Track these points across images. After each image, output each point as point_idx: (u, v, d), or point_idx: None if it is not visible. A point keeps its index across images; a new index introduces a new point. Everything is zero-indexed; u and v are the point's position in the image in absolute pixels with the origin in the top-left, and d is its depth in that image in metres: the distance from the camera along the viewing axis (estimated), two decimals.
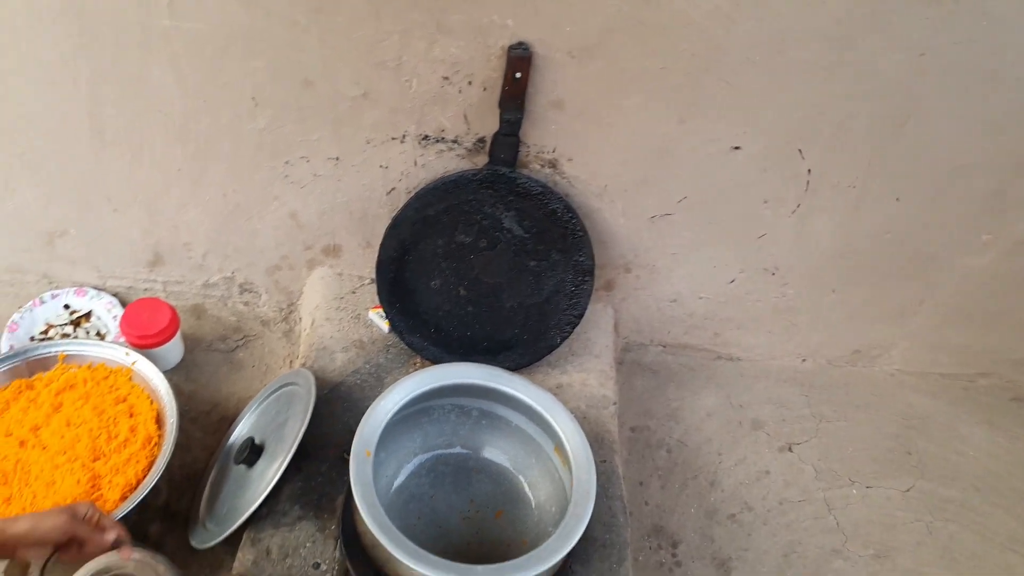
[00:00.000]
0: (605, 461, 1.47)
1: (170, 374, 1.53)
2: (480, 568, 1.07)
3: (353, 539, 1.22)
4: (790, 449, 1.76)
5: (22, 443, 1.41)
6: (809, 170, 1.48)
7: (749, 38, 1.28)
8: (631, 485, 1.64)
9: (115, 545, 1.11)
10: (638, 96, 1.37)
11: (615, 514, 1.40)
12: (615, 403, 1.58)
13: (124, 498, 1.35)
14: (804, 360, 1.90)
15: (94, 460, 1.40)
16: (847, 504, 1.68)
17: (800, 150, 1.45)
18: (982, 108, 1.37)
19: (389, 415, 1.22)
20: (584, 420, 1.53)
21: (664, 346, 1.87)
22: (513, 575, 1.08)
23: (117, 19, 1.28)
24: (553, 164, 1.47)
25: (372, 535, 1.11)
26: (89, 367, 1.52)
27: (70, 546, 1.08)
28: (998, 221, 1.57)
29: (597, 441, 1.51)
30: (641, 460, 1.69)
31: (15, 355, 1.50)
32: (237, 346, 1.70)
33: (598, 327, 1.71)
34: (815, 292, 1.73)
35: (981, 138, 1.42)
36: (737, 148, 1.44)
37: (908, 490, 1.71)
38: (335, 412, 1.45)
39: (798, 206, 1.54)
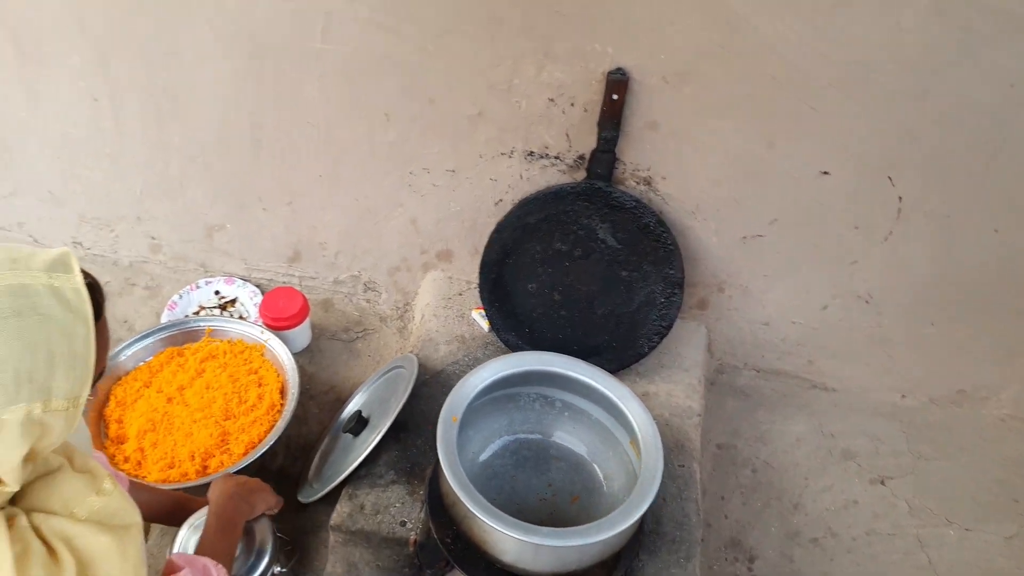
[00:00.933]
0: (683, 466, 1.53)
1: (297, 356, 1.74)
2: (544, 528, 1.17)
3: (437, 501, 1.35)
4: (883, 483, 1.73)
5: (169, 399, 1.65)
6: (900, 197, 1.51)
7: (833, 66, 1.35)
8: (713, 499, 1.68)
9: None
10: (728, 119, 1.47)
11: (688, 515, 1.45)
12: (699, 415, 1.64)
13: (246, 454, 1.55)
14: (904, 396, 1.87)
15: (225, 419, 1.61)
16: (942, 544, 1.63)
17: (890, 177, 1.49)
18: None
19: (476, 389, 1.35)
20: (666, 427, 1.59)
21: (758, 371, 1.90)
22: (573, 539, 1.17)
23: (280, 42, 1.53)
24: (648, 181, 1.58)
25: (452, 492, 1.23)
26: (229, 342, 1.76)
27: None
28: None
29: (678, 448, 1.57)
30: (725, 476, 1.72)
31: (171, 326, 1.76)
32: (357, 337, 1.90)
33: (690, 344, 1.78)
34: (912, 324, 1.72)
35: None
36: (826, 173, 1.50)
37: (1011, 537, 1.64)
38: (435, 395, 1.60)
39: (890, 233, 1.57)
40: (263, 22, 1.51)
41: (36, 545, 0.79)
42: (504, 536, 1.18)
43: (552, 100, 1.50)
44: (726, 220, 1.62)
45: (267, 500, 1.35)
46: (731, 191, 1.57)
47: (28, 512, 0.82)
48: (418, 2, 1.42)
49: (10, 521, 0.79)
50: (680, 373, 1.71)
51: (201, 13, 1.52)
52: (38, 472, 0.86)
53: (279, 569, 1.36)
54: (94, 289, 0.85)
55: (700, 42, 1.37)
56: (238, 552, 1.27)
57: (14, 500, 0.84)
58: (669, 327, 1.64)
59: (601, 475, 1.47)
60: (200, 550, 1.15)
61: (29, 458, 0.79)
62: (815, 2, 1.30)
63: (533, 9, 1.39)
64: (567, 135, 1.55)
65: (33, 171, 1.90)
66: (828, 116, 1.42)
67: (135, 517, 0.92)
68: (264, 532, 1.33)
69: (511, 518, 1.17)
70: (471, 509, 1.18)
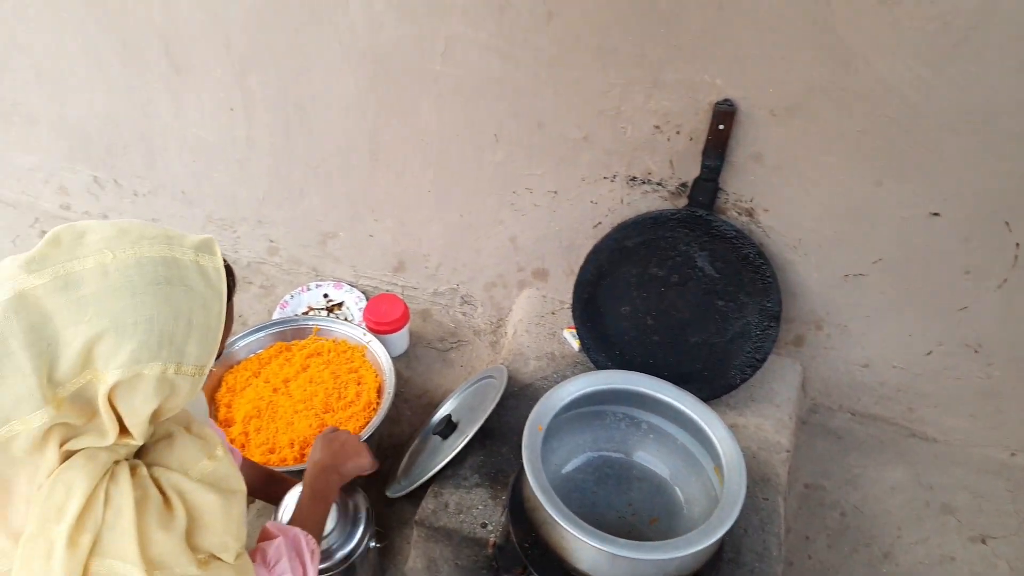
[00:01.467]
0: (767, 499, 1.51)
1: (394, 360, 1.82)
2: (622, 540, 1.18)
3: (518, 506, 1.38)
4: (983, 541, 1.65)
5: (275, 390, 1.76)
6: (1018, 244, 1.46)
7: (952, 106, 1.33)
8: (797, 538, 1.64)
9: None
10: (836, 156, 1.46)
11: (768, 548, 1.43)
12: (788, 451, 1.61)
13: None
14: (1013, 454, 1.77)
15: (325, 412, 1.71)
16: None
17: (1007, 222, 1.44)
18: None
19: (564, 402, 1.39)
20: (753, 459, 1.58)
21: (853, 414, 1.85)
22: (651, 554, 1.17)
23: (403, 63, 1.63)
24: (750, 212, 1.59)
25: (534, 497, 1.26)
26: (334, 341, 1.87)
27: None
28: None
29: (763, 481, 1.55)
30: (811, 516, 1.68)
31: (281, 323, 1.88)
32: (451, 348, 1.97)
33: (783, 380, 1.75)
34: None
35: None
36: (936, 215, 1.47)
37: None
38: (521, 407, 1.64)
39: (1004, 281, 1.51)
40: (388, 44, 1.62)
41: (154, 492, 0.87)
42: (582, 544, 1.20)
43: (658, 127, 1.54)
44: (828, 257, 1.60)
45: (361, 465, 1.39)
46: (835, 228, 1.55)
47: (149, 466, 0.91)
48: (534, 30, 1.49)
49: (132, 470, 0.88)
50: (771, 408, 1.69)
51: (333, 33, 1.65)
52: (159, 435, 0.95)
53: (375, 544, 1.42)
54: (229, 273, 0.94)
55: (811, 77, 1.38)
56: (334, 524, 1.34)
57: (137, 456, 0.93)
58: (763, 360, 1.63)
59: (682, 498, 1.47)
60: (293, 518, 1.23)
61: (155, 417, 0.88)
62: (934, 41, 1.29)
63: (646, 39, 1.43)
64: (671, 162, 1.58)
65: (171, 172, 2.08)
66: (942, 157, 1.39)
67: (240, 485, 1.00)
68: (360, 505, 1.40)
69: (590, 527, 1.19)
70: (552, 514, 1.21)
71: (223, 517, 0.92)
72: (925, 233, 1.50)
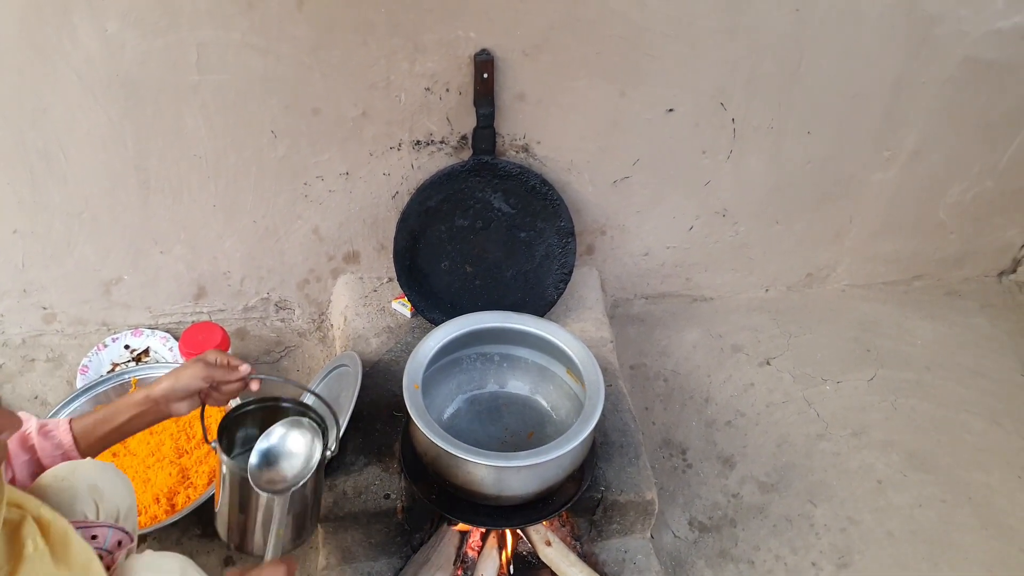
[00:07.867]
0: (611, 385, 1.74)
1: None
2: (522, 452, 1.31)
3: (414, 465, 1.46)
4: (768, 363, 2.03)
5: (115, 454, 1.65)
6: (733, 119, 1.80)
7: (662, 16, 1.60)
8: (638, 411, 1.90)
9: (245, 380, 1.19)
10: (584, 79, 1.68)
11: (627, 423, 1.66)
12: (612, 341, 1.85)
13: (211, 482, 1.58)
14: (767, 290, 2.19)
15: (179, 457, 1.64)
16: (823, 398, 1.95)
17: (722, 103, 1.77)
18: (855, 44, 1.70)
19: (428, 357, 1.48)
20: None
21: (646, 297, 2.15)
22: (551, 453, 1.31)
23: (155, 82, 1.56)
24: (525, 148, 1.77)
25: (432, 448, 1.35)
26: None
27: (211, 391, 1.17)
28: (893, 138, 1.90)
29: (604, 370, 1.74)
30: (643, 390, 1.95)
31: (94, 386, 1.74)
32: (281, 356, 1.95)
33: (587, 285, 1.99)
34: (762, 226, 2.03)
35: (860, 69, 1.75)
36: (671, 110, 1.75)
37: (871, 379, 1.99)
38: (379, 383, 1.70)
39: (731, 152, 1.85)
40: (134, 64, 1.54)
41: None
42: (489, 469, 1.32)
43: (428, 89, 1.65)
44: (597, 169, 1.83)
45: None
46: (597, 143, 1.78)
47: None
48: (288, 20, 1.51)
49: None
50: (586, 311, 1.92)
51: (66, 66, 1.53)
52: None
53: (330, 452, 1.28)
54: None
55: (549, 14, 1.56)
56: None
57: None
58: (570, 272, 1.83)
59: (548, 407, 1.64)
60: None
61: None
62: None
63: (397, 8, 1.52)
64: (448, 119, 1.70)
65: None
66: (665, 61, 1.66)
67: None
68: None
69: (492, 452, 1.31)
70: (456, 454, 1.30)
71: None
72: (666, 128, 1.78)
